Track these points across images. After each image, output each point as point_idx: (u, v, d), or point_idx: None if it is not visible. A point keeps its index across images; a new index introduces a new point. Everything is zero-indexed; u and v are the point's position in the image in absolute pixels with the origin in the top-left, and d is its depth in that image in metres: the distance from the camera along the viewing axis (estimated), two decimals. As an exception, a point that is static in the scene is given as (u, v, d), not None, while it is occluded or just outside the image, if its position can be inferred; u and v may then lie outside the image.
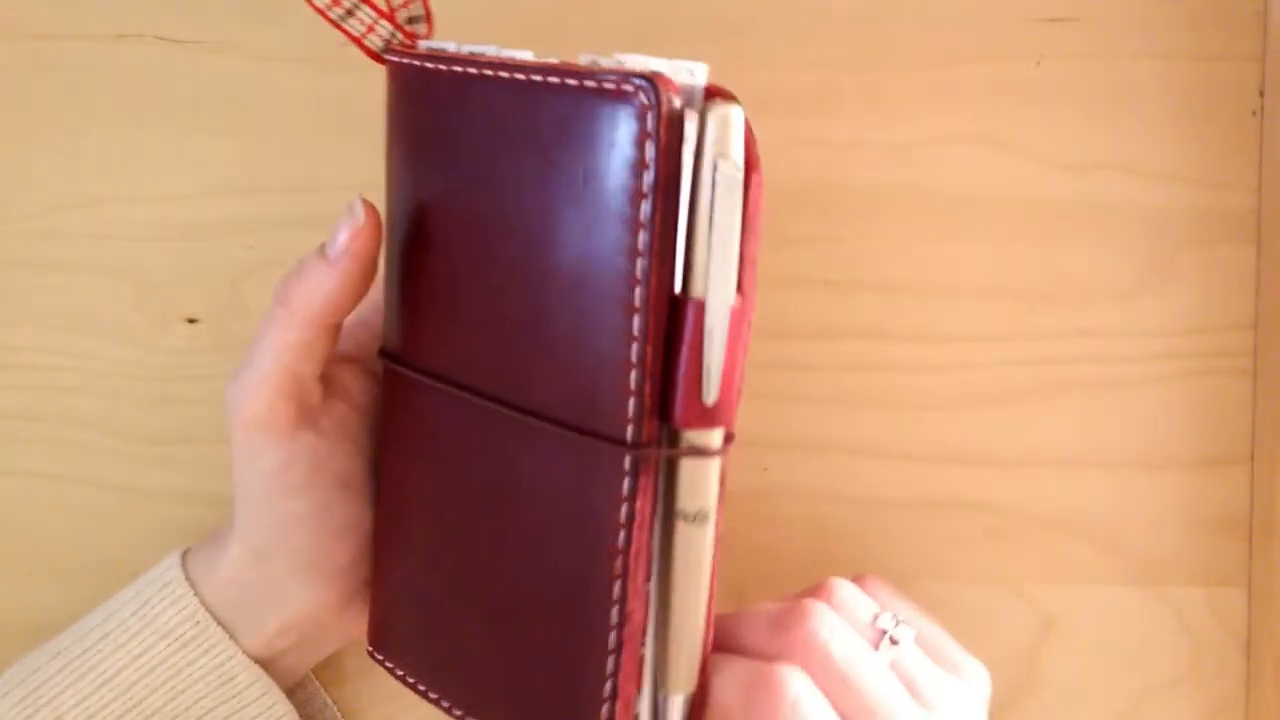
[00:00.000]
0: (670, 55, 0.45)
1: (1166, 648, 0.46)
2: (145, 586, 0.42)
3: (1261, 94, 0.46)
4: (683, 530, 0.33)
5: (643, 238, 0.30)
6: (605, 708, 0.33)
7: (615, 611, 0.33)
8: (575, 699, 0.34)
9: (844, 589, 0.38)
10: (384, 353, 0.39)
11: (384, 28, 0.38)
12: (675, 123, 0.30)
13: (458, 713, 0.37)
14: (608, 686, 0.33)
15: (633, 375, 0.31)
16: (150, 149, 0.46)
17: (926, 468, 0.46)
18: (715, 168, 0.30)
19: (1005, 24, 0.45)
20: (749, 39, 0.45)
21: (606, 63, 0.32)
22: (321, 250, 0.38)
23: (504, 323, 0.34)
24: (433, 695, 0.38)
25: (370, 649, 0.41)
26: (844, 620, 0.37)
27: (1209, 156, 0.46)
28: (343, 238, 0.38)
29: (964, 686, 0.38)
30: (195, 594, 0.41)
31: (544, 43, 0.44)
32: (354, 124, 0.46)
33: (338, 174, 0.46)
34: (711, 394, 0.31)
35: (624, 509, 0.32)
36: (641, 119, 0.30)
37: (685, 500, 0.32)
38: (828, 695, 0.35)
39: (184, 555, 0.42)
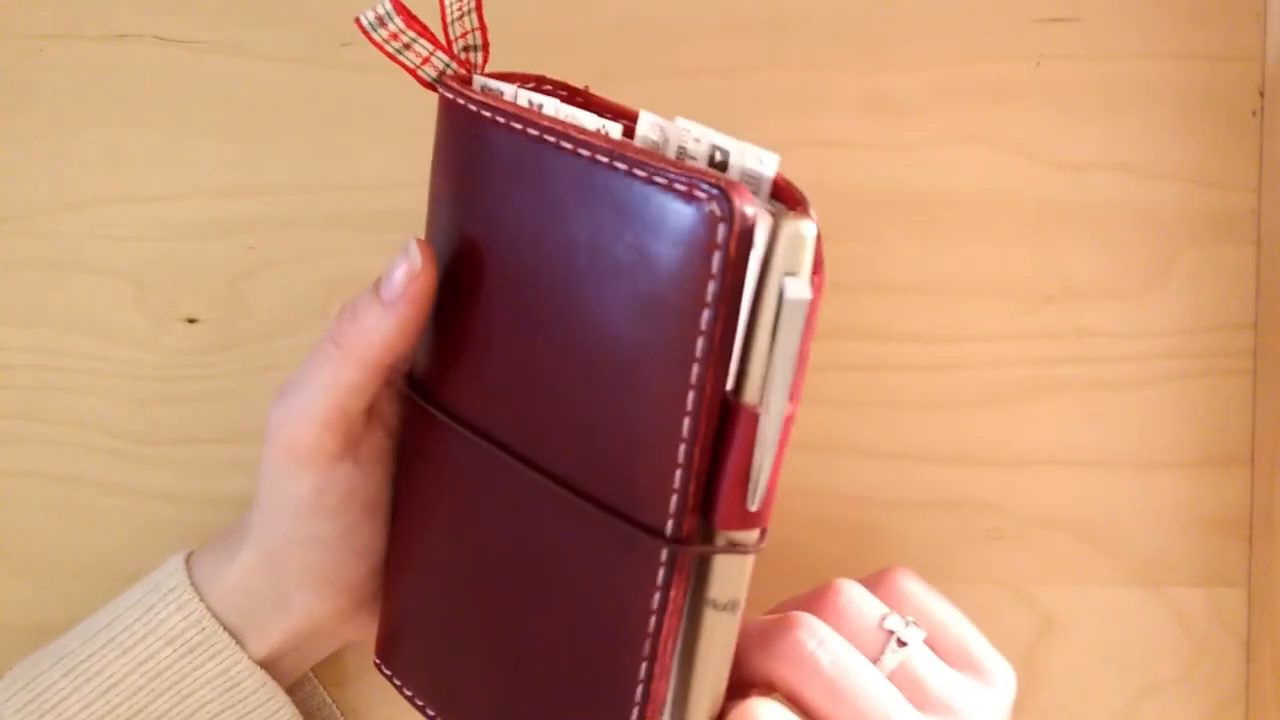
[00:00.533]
0: (671, 55, 0.45)
1: (1166, 648, 0.46)
2: (150, 591, 0.41)
3: (1261, 94, 0.46)
4: (711, 617, 0.32)
5: (701, 344, 0.30)
6: None
7: (640, 690, 0.33)
8: None
9: (848, 590, 0.38)
10: (412, 382, 0.39)
11: (440, 59, 0.38)
12: (746, 236, 0.30)
13: None
14: None
15: (678, 474, 0.31)
16: (150, 149, 0.46)
17: (927, 468, 0.46)
18: (784, 286, 0.30)
19: (1005, 24, 0.45)
20: (749, 39, 0.45)
21: (671, 131, 0.32)
22: (375, 290, 0.37)
23: (542, 388, 0.34)
24: None
25: (377, 661, 0.41)
26: (833, 628, 0.36)
27: (1209, 156, 0.46)
28: (399, 280, 0.37)
29: (981, 689, 0.37)
30: (201, 600, 0.41)
31: (549, 40, 0.45)
32: (354, 124, 0.46)
33: (338, 174, 0.46)
34: (756, 501, 0.31)
35: (657, 597, 0.32)
36: (712, 229, 0.30)
37: (717, 591, 0.32)
38: (818, 708, 0.35)
39: (188, 559, 0.42)
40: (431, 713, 0.39)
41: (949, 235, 0.45)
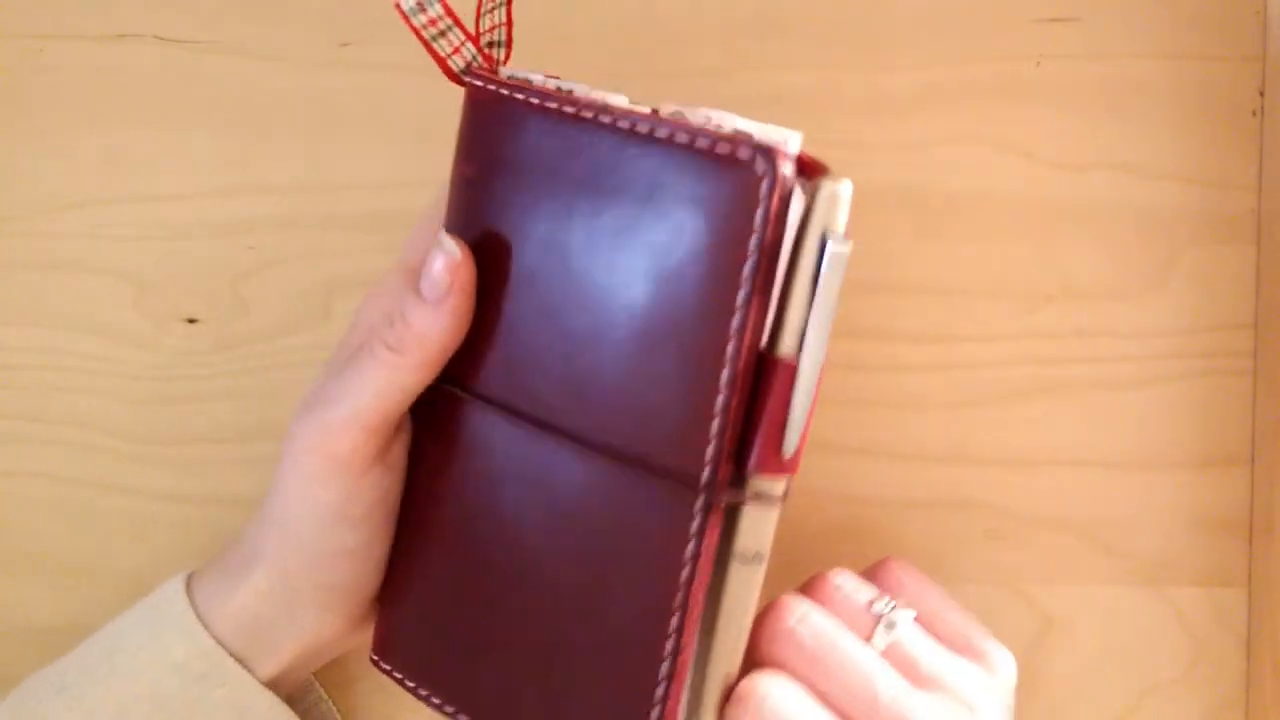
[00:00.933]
0: (672, 56, 0.45)
1: (1166, 648, 0.46)
2: (153, 618, 0.41)
3: (1261, 94, 0.46)
4: (737, 570, 0.34)
5: (741, 295, 0.32)
6: None
7: (670, 643, 0.34)
8: None
9: (837, 577, 0.38)
10: None
11: (469, 50, 0.38)
12: (786, 195, 0.31)
13: None
14: (655, 714, 0.34)
15: (715, 423, 0.32)
16: (150, 149, 0.46)
17: (927, 468, 0.46)
18: (825, 243, 0.32)
19: (1005, 24, 0.45)
20: (750, 39, 0.45)
21: (694, 117, 0.33)
22: (416, 291, 0.37)
23: (574, 356, 0.35)
24: (448, 709, 0.39)
25: (375, 657, 0.41)
26: (820, 607, 0.37)
27: (1209, 156, 0.46)
28: (441, 275, 0.37)
29: (979, 671, 0.37)
30: (206, 628, 0.40)
31: (550, 42, 0.45)
32: (354, 124, 0.46)
33: (338, 174, 0.46)
34: (791, 448, 0.33)
35: (690, 547, 0.33)
36: (754, 188, 0.31)
37: (745, 542, 0.33)
38: (806, 682, 0.35)
39: (189, 580, 0.41)
40: (438, 701, 0.39)
41: (949, 235, 0.45)
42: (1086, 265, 0.46)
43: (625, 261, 0.34)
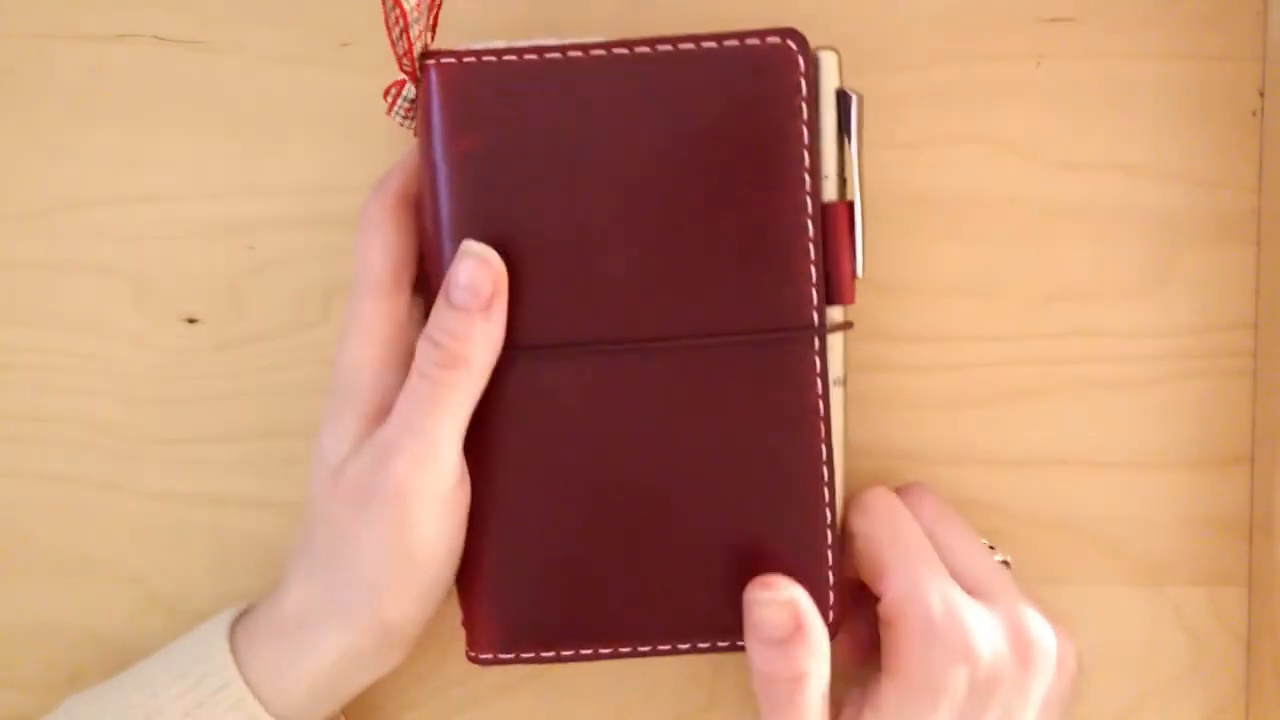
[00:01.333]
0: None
1: (1166, 648, 0.46)
2: (194, 679, 0.39)
3: (1261, 94, 0.46)
4: (834, 393, 0.40)
5: (808, 158, 0.38)
6: (832, 552, 0.40)
7: (825, 470, 0.40)
8: (808, 553, 0.40)
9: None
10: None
11: (426, 39, 0.39)
12: (812, 61, 0.38)
13: (644, 648, 0.40)
14: (829, 537, 0.40)
15: (812, 270, 0.38)
16: (150, 149, 0.46)
17: (927, 468, 0.46)
18: (845, 95, 0.39)
19: (1005, 24, 0.45)
20: (749, 39, 0.45)
21: (651, 37, 0.38)
22: (457, 305, 0.37)
23: (662, 269, 0.38)
24: (604, 651, 0.41)
25: (491, 656, 0.41)
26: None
27: (1209, 156, 0.46)
28: (483, 281, 0.37)
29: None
30: (260, 702, 0.39)
31: (547, 34, 0.44)
32: (354, 124, 0.46)
33: (338, 174, 0.46)
34: (860, 271, 0.39)
35: (819, 383, 0.39)
36: (793, 62, 0.38)
37: (836, 368, 0.40)
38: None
39: (233, 643, 0.40)
40: (589, 651, 0.40)
41: (949, 235, 0.45)
42: (1086, 265, 0.46)
43: (681, 165, 0.38)
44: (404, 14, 0.37)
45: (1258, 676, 0.46)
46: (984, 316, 0.46)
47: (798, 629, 0.38)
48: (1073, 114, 0.46)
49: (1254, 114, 0.46)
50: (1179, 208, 0.46)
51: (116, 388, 0.46)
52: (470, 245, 0.37)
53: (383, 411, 0.39)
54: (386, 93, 0.40)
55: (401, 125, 0.40)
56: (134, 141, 0.46)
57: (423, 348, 0.38)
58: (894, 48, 0.45)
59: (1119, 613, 0.46)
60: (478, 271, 0.37)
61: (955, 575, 0.40)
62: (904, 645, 0.39)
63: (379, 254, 0.40)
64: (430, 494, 0.38)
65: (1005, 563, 0.44)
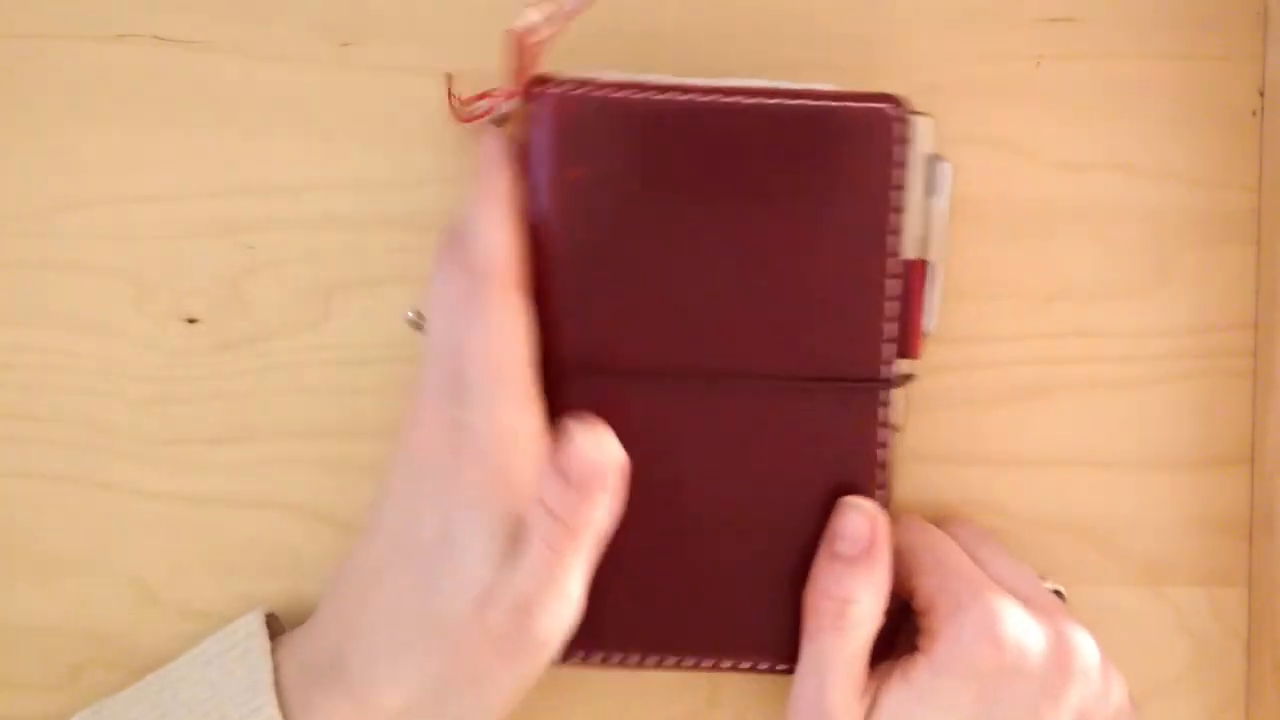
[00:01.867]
0: (671, 57, 0.45)
1: (1166, 648, 0.46)
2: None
3: (1261, 94, 0.46)
4: (893, 438, 0.42)
5: (893, 219, 0.40)
6: None
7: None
8: None
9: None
10: (563, 367, 0.41)
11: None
12: (910, 129, 0.40)
13: (695, 662, 0.42)
14: None
15: (887, 326, 0.41)
16: (150, 149, 0.46)
17: (927, 468, 0.46)
18: (934, 163, 0.41)
19: (1005, 24, 0.45)
20: (750, 40, 0.45)
21: (756, 84, 0.41)
22: (572, 488, 0.37)
23: (743, 309, 0.40)
24: (653, 660, 0.42)
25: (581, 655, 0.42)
26: None
27: (1209, 156, 0.46)
28: (609, 469, 0.38)
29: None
30: None
31: (555, 48, 0.45)
32: (354, 124, 0.46)
33: (338, 174, 0.46)
34: (929, 331, 0.42)
35: (880, 433, 0.41)
36: (891, 127, 0.40)
37: (896, 417, 0.42)
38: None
39: (280, 690, 0.39)
40: (619, 657, 0.42)
41: (948, 235, 0.45)
42: (1086, 265, 0.46)
43: (773, 213, 0.40)
44: (537, 49, 0.39)
45: (1258, 676, 0.46)
46: (984, 316, 0.46)
47: (870, 549, 0.40)
48: (1073, 114, 0.46)
49: (1254, 114, 0.46)
50: (1179, 208, 0.46)
51: (116, 388, 0.46)
52: (593, 437, 0.38)
53: (524, 507, 0.38)
54: (467, 99, 0.42)
55: (470, 123, 0.42)
56: (134, 141, 0.46)
57: (533, 519, 0.37)
58: (894, 47, 0.45)
59: (1119, 613, 0.46)
60: (610, 461, 0.38)
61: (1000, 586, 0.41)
62: (937, 626, 0.39)
63: (503, 244, 0.39)
64: (565, 632, 0.38)
65: (1059, 593, 0.44)
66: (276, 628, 0.44)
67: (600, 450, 0.38)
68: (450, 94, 0.43)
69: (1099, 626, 0.46)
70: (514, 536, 0.38)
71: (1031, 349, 0.46)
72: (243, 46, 0.46)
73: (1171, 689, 0.46)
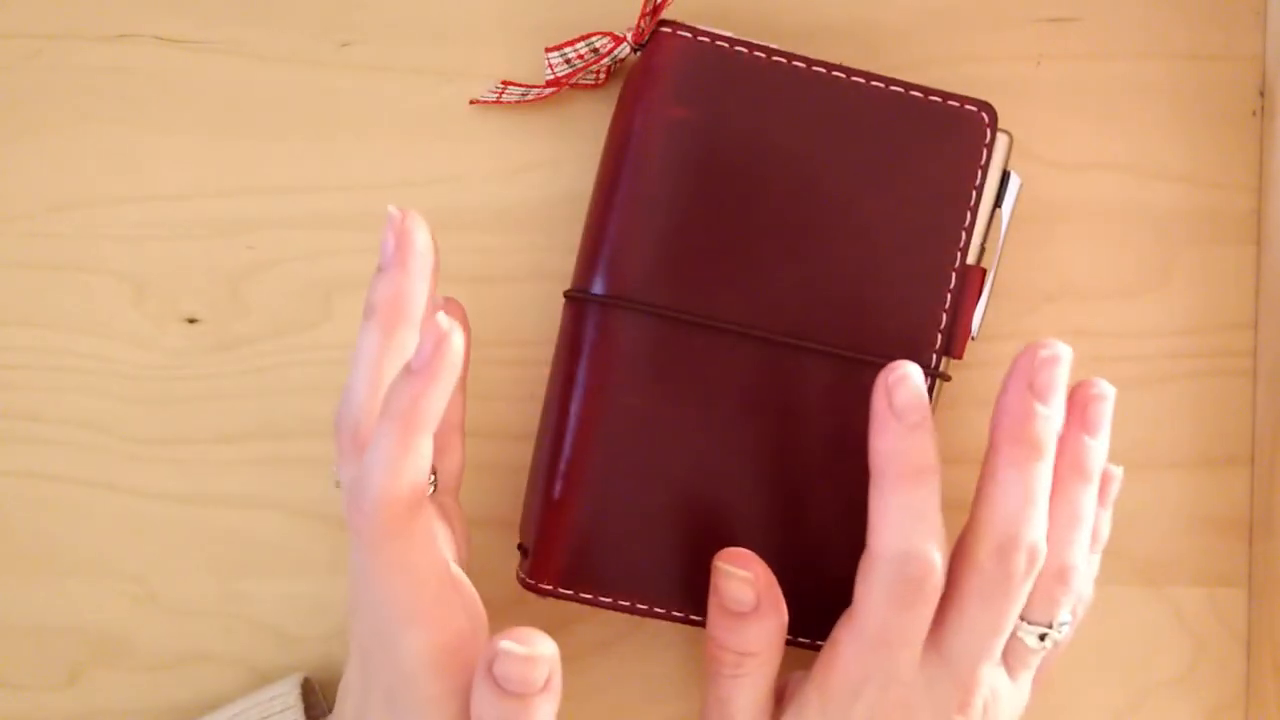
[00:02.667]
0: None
1: (1166, 648, 0.46)
2: None
3: (1261, 94, 0.46)
4: None
5: (968, 220, 0.41)
6: None
7: None
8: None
9: None
10: (633, 300, 0.41)
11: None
12: (996, 136, 0.41)
13: (697, 618, 0.42)
14: None
15: (944, 318, 0.42)
16: (150, 149, 0.46)
17: (926, 468, 0.46)
18: (1009, 177, 0.42)
19: (1005, 24, 0.45)
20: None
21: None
22: (510, 690, 0.35)
23: (811, 276, 0.41)
24: (660, 611, 0.42)
25: (551, 586, 0.41)
26: None
27: (1209, 156, 0.46)
28: (536, 678, 0.34)
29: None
30: None
31: (548, 35, 0.45)
32: (354, 124, 0.46)
33: (338, 174, 0.46)
34: (975, 334, 0.42)
35: None
36: (980, 133, 0.41)
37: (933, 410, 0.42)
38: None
39: None
40: (625, 603, 0.42)
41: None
42: (1086, 265, 0.46)
43: (857, 190, 0.41)
44: None
45: (1258, 676, 0.46)
46: (984, 316, 0.46)
47: (757, 607, 0.39)
48: (1073, 114, 0.46)
49: (1254, 114, 0.46)
50: (1179, 208, 0.46)
51: (116, 388, 0.46)
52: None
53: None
54: (560, 46, 0.43)
55: (567, 75, 0.43)
56: (134, 141, 0.46)
57: None
58: (893, 47, 0.45)
59: (1119, 613, 0.46)
60: (526, 668, 0.34)
61: None
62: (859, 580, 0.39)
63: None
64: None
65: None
66: (313, 700, 0.44)
67: (524, 666, 0.34)
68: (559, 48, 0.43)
69: (1099, 626, 0.46)
70: None
71: (1031, 349, 0.46)
72: (243, 47, 0.46)
73: (1171, 689, 0.46)
